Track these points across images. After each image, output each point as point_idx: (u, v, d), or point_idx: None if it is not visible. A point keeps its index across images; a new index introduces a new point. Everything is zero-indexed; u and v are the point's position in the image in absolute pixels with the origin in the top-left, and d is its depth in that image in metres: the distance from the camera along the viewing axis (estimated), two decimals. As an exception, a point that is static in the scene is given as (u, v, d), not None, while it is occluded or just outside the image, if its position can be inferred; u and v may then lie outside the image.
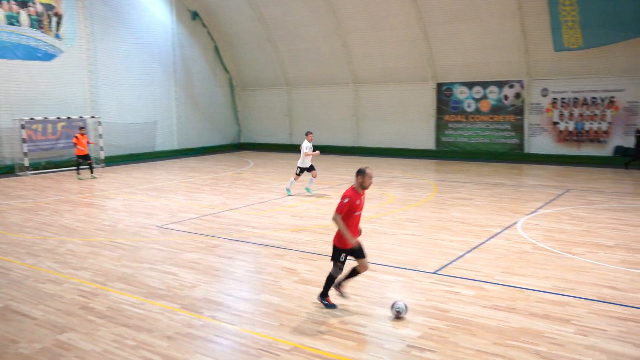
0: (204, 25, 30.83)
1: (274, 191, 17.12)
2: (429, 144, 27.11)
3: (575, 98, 23.61)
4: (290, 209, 14.24)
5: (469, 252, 9.99)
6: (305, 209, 14.26)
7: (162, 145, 28.86)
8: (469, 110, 26.11)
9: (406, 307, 7.00)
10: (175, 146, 29.60)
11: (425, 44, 25.63)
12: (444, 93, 26.65)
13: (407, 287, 8.20)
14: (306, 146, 16.18)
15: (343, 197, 7.05)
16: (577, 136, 23.75)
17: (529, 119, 24.68)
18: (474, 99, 25.94)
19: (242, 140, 33.65)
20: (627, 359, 5.85)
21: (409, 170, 21.90)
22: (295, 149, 30.68)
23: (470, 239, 10.87)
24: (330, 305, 7.34)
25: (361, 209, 7.29)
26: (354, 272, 7.47)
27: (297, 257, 9.86)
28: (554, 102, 24.08)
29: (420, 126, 27.29)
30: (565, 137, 24.02)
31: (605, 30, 21.31)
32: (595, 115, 23.28)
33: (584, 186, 17.47)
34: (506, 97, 25.11)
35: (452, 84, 26.36)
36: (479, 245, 10.40)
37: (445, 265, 9.17)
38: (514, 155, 25.01)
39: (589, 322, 6.77)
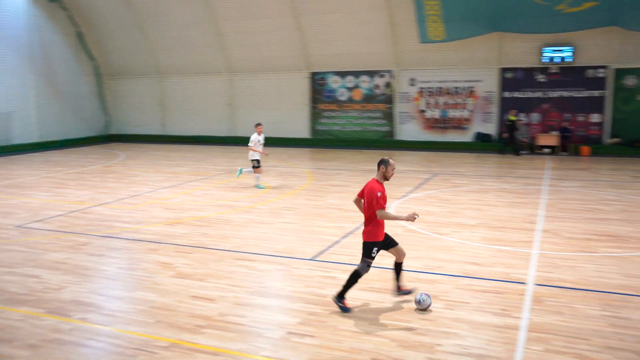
0: (63, 8, 28.69)
1: (146, 184, 16.46)
2: (304, 132, 27.48)
3: (440, 88, 25.05)
4: (164, 202, 13.77)
5: (345, 237, 10.26)
6: (180, 201, 13.87)
7: (20, 138, 26.50)
8: (342, 99, 26.78)
9: (423, 298, 6.83)
10: (35, 139, 27.30)
11: (299, 34, 25.85)
12: (317, 82, 27.10)
13: (285, 275, 8.25)
14: (252, 139, 15.44)
15: (376, 192, 6.64)
16: (443, 123, 25.26)
17: (398, 108, 25.81)
18: (346, 88, 26.64)
19: (112, 132, 31.92)
20: (487, 326, 6.33)
21: (285, 159, 22.05)
22: (168, 139, 29.76)
23: (346, 225, 11.17)
24: (346, 309, 6.82)
25: (386, 202, 6.85)
26: (398, 267, 7.19)
27: (172, 250, 9.56)
28: (421, 91, 25.37)
29: (295, 115, 27.57)
30: (431, 124, 25.43)
31: (465, 25, 22.81)
32: (458, 104, 24.88)
33: (449, 170, 18.63)
34: (377, 87, 26.05)
35: (326, 73, 26.86)
36: (354, 231, 10.71)
37: (323, 252, 9.34)
38: (385, 142, 26.05)
39: (455, 297, 7.23)
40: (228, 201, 13.76)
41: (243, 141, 28.03)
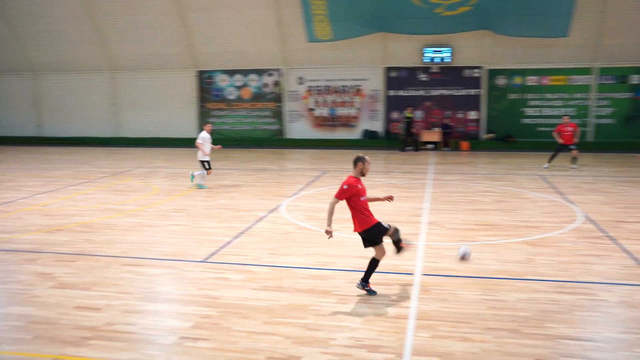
0: None
1: (21, 190, 15.31)
2: (193, 132, 26.81)
3: (328, 86, 25.51)
4: (43, 208, 12.88)
5: (236, 237, 10.15)
6: (61, 207, 13.04)
7: None
8: (230, 98, 26.51)
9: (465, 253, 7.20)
10: None
11: (185, 31, 25.21)
12: (205, 81, 26.61)
13: (176, 279, 8.01)
14: (203, 137, 14.84)
15: (343, 184, 7.12)
16: (331, 121, 25.75)
17: (288, 106, 25.97)
18: (235, 86, 26.40)
19: (-21, 134, 29.36)
20: (378, 317, 6.52)
21: (173, 160, 21.44)
22: (46, 141, 27.88)
23: (238, 225, 11.05)
24: (372, 292, 7.21)
25: (365, 193, 7.31)
26: (374, 262, 7.29)
27: (52, 260, 8.95)
28: (309, 90, 25.69)
29: (182, 114, 26.90)
30: (320, 122, 25.85)
31: (351, 25, 23.39)
32: (346, 102, 25.48)
33: (338, 167, 19.01)
34: (266, 85, 26.05)
35: (213, 71, 26.44)
36: (246, 230, 10.62)
37: (214, 253, 9.18)
38: (275, 140, 26.11)
39: (347, 291, 7.38)
40: (113, 205, 13.13)
41: (128, 142, 27.04)
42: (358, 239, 9.95)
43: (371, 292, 7.25)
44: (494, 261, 8.64)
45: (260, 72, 26.00)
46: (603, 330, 6.21)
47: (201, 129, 15.45)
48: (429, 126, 24.79)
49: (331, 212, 7.21)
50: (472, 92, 24.49)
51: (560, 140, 17.86)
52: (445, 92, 24.70)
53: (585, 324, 6.35)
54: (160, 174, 17.77)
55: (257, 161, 20.76)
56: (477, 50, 23.93)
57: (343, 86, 25.41)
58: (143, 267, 8.46)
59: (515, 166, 19.20)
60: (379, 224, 7.23)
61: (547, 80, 23.99)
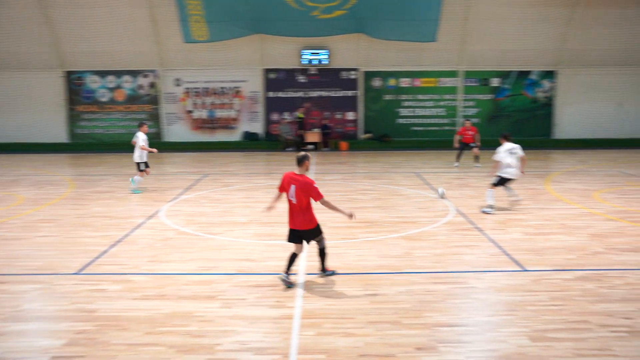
0: None
1: None
2: (62, 136, 25.23)
3: (206, 88, 25.08)
4: None
5: (113, 246, 9.65)
6: None
7: None
8: (103, 100, 25.21)
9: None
10: None
11: (48, 28, 23.58)
12: (74, 82, 25.08)
13: (46, 294, 7.45)
14: (143, 138, 14.45)
15: (313, 183, 7.40)
16: (211, 123, 25.34)
17: (165, 108, 25.18)
18: (107, 88, 25.15)
19: None
20: (264, 319, 6.51)
21: (40, 167, 19.99)
22: None
23: (114, 233, 10.52)
24: (333, 273, 8.02)
25: None
26: (322, 253, 7.89)
27: None
28: (187, 92, 25.09)
29: (49, 118, 25.14)
30: (200, 124, 25.34)
31: (228, 26, 23.17)
32: (225, 104, 25.20)
33: (219, 170, 18.75)
34: (141, 87, 25.07)
35: (83, 72, 25.00)
36: (123, 238, 10.14)
37: (89, 264, 8.66)
38: (153, 144, 25.02)
39: (231, 295, 7.28)
40: (-30, 217, 11.96)
41: (-13, 148, 24.78)
42: (240, 241, 9.91)
43: (333, 273, 8.02)
44: (374, 257, 8.93)
45: (134, 73, 24.97)
46: (473, 315, 6.63)
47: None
48: (309, 127, 25.18)
49: (334, 205, 7.62)
50: (350, 93, 25.23)
51: (456, 145, 18.99)
52: (323, 93, 25.22)
53: (458, 311, 6.75)
54: (26, 182, 16.48)
55: (132, 166, 19.86)
56: (353, 53, 24.68)
57: (222, 88, 25.10)
58: (7, 285, 7.77)
59: (392, 165, 20.03)
60: (318, 225, 7.75)
61: (418, 82, 25.29)
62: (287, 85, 25.15)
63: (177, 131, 25.36)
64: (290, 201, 7.53)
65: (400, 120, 25.55)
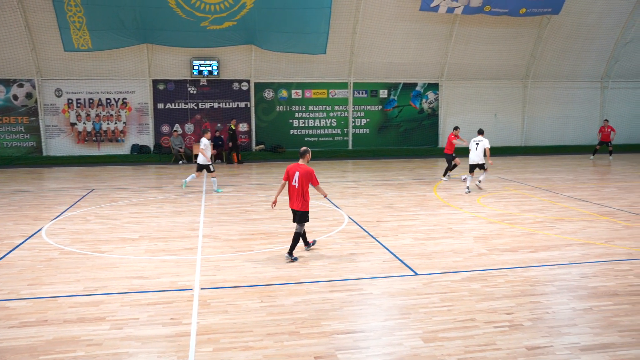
0: None
1: None
2: None
3: (91, 99, 23.87)
4: None
5: (-13, 269, 8.86)
6: None
7: None
8: (-27, 112, 23.23)
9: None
10: None
11: None
12: (-61, 92, 22.90)
13: None
14: (203, 143, 16.32)
15: (313, 171, 9.18)
16: (97, 136, 24.12)
17: (44, 120, 23.65)
18: (-22, 99, 23.21)
19: None
20: (158, 338, 6.24)
21: None
22: None
23: (-12, 255, 9.68)
24: (295, 258, 9.29)
25: None
26: (301, 236, 9.55)
27: None
28: (69, 103, 23.74)
29: None
30: (84, 137, 24.05)
31: (112, 35, 22.20)
32: (112, 115, 24.10)
33: (107, 185, 17.87)
34: (16, 97, 23.37)
35: (-51, 82, 22.90)
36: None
37: (-41, 290, 7.88)
38: (32, 159, 23.53)
39: (122, 315, 6.93)
40: None
41: None
42: (132, 258, 9.48)
43: (295, 259, 9.26)
44: (270, 268, 8.89)
45: (7, 82, 23.23)
46: (370, 321, 6.78)
47: None
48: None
49: (323, 190, 9.63)
50: (242, 104, 25.08)
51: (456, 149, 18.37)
52: (215, 104, 24.88)
53: (355, 317, 6.87)
54: None
55: (9, 182, 18.48)
56: (244, 64, 24.59)
57: (108, 99, 24.00)
58: None
59: (285, 175, 20.08)
60: (308, 212, 9.40)
61: (310, 94, 25.66)
62: (178, 96, 24.54)
63: (59, 144, 23.88)
64: (292, 186, 9.17)
65: (293, 131, 25.77)
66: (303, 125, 25.82)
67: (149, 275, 8.53)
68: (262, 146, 25.32)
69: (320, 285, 8.06)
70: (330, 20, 22.99)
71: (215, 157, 24.24)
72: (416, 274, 8.56)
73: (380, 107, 26.39)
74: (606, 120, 25.33)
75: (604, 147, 24.91)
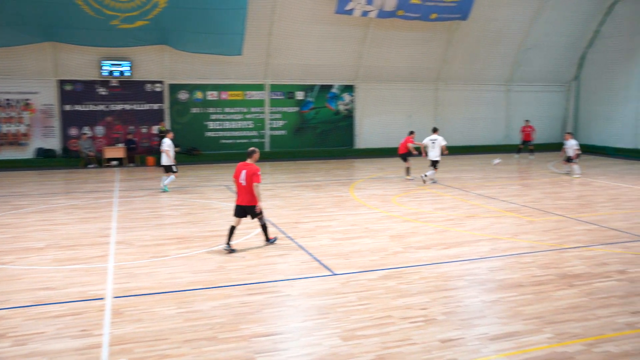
0: None
1: None
2: None
3: (-11, 100, 22.38)
4: None
5: None
6: None
7: None
8: None
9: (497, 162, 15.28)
10: None
11: None
12: None
13: None
14: (167, 144, 16.50)
15: (258, 170, 9.72)
16: (-4, 140, 22.64)
17: (-63, 124, 21.91)
18: None
19: None
20: (67, 352, 5.93)
21: None
22: None
23: None
24: (274, 240, 10.42)
25: None
26: (264, 228, 10.29)
27: None
28: (-35, 105, 22.14)
29: None
30: (-17, 141, 22.49)
31: (12, 31, 20.88)
32: (13, 117, 22.68)
33: (8, 191, 16.80)
34: None
35: None
36: None
37: None
38: None
39: (26, 330, 6.52)
40: None
41: None
42: (37, 268, 8.94)
43: (274, 241, 10.46)
44: (186, 273, 8.68)
45: None
46: (288, 322, 6.77)
47: None
48: (112, 142, 23.79)
49: (259, 193, 9.84)
50: (155, 106, 24.37)
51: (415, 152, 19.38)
52: (127, 106, 24.01)
53: (274, 320, 6.83)
54: None
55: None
56: (158, 65, 23.91)
57: (7, 100, 22.57)
58: None
59: (201, 178, 19.76)
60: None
61: (226, 95, 25.33)
62: (86, 98, 23.46)
63: (-46, 149, 22.23)
64: (240, 183, 9.73)
65: (209, 134, 25.33)
66: (219, 127, 25.45)
67: (56, 286, 8.09)
68: (177, 149, 24.68)
69: (238, 288, 7.96)
70: (245, 21, 22.78)
71: (129, 160, 23.46)
72: (334, 273, 8.64)
73: (297, 108, 26.47)
74: (527, 121, 26.71)
75: (526, 146, 26.22)
